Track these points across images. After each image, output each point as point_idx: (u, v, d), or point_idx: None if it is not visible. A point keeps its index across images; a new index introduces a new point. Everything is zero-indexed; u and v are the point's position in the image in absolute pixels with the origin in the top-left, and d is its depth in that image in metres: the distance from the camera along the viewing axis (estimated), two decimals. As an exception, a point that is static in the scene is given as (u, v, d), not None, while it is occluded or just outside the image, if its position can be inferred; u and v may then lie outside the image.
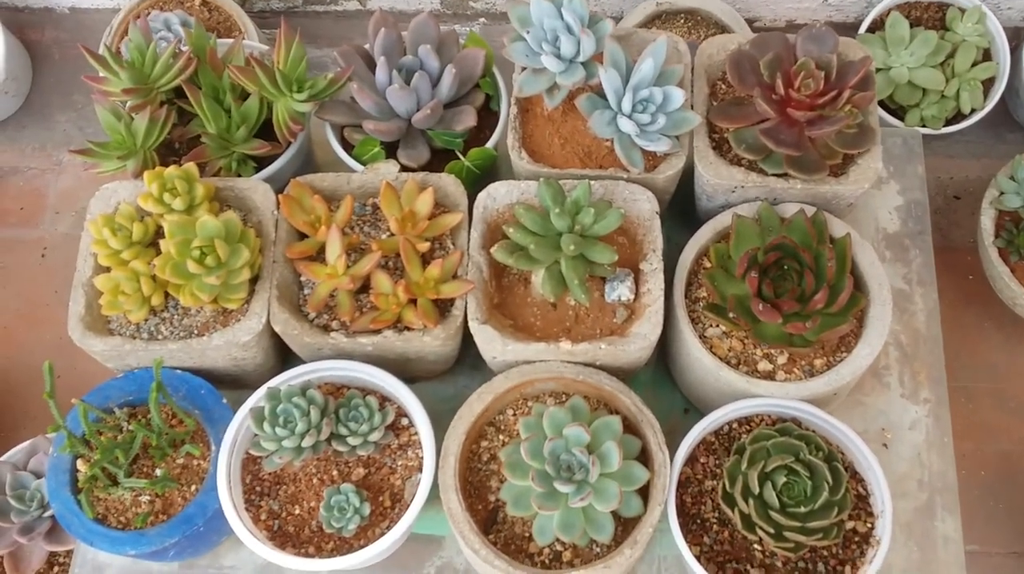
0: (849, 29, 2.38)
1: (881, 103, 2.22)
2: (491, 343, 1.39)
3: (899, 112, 2.25)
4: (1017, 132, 2.38)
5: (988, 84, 2.27)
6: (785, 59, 1.47)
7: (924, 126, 2.23)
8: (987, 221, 2.03)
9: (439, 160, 1.59)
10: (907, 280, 1.68)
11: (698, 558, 1.35)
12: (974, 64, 2.23)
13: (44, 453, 1.94)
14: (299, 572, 1.38)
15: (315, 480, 1.43)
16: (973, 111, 2.24)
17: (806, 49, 1.48)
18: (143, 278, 1.43)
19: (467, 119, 1.56)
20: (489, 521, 1.39)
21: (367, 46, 1.59)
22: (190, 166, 1.47)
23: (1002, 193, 2.02)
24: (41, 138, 2.50)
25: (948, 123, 2.25)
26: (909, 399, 1.60)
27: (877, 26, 2.29)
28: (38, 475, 1.91)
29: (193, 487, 1.44)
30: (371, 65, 1.57)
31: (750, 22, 2.38)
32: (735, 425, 1.44)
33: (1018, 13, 2.36)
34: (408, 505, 1.39)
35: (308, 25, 2.50)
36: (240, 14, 2.28)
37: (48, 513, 1.87)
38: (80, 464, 1.43)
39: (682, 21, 2.26)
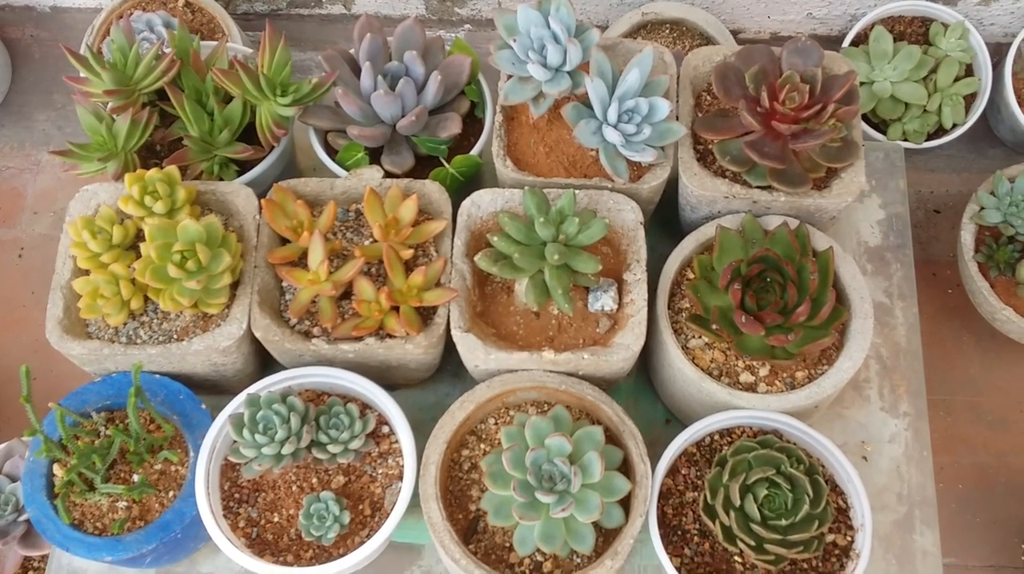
0: (833, 42, 2.39)
1: (863, 117, 2.23)
2: (474, 352, 1.39)
3: (881, 126, 2.26)
4: (998, 147, 2.39)
5: (970, 99, 2.28)
6: (770, 72, 1.48)
7: (906, 140, 2.24)
8: (967, 236, 2.03)
9: (423, 167, 1.58)
10: (888, 294, 1.69)
11: (679, 570, 1.35)
12: (956, 79, 2.24)
13: (20, 456, 1.91)
14: (277, 580, 1.37)
15: (294, 487, 1.42)
16: (955, 126, 2.25)
17: (791, 62, 1.49)
18: (123, 282, 1.41)
19: (452, 126, 1.55)
20: (469, 530, 1.38)
21: (352, 51, 1.58)
22: (172, 169, 1.46)
23: (982, 208, 2.03)
24: (20, 137, 2.48)
25: (930, 138, 2.26)
26: (889, 412, 1.61)
27: (861, 40, 2.30)
28: (13, 479, 1.88)
29: (171, 493, 1.42)
30: (356, 70, 1.56)
31: (735, 33, 2.39)
32: (717, 437, 1.44)
33: (1000, 29, 2.37)
34: (388, 514, 1.38)
35: (292, 28, 2.49)
36: (223, 16, 2.27)
37: (23, 517, 1.84)
38: (57, 469, 1.41)
39: (667, 31, 2.26)
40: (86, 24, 2.32)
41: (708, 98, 1.58)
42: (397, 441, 1.43)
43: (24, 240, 2.37)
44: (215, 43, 1.64)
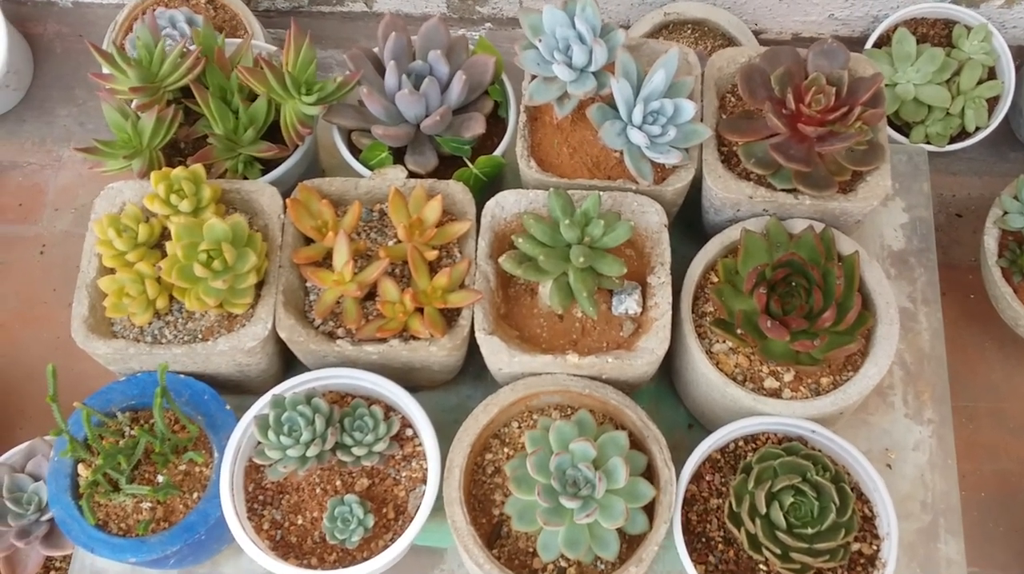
0: (855, 44, 2.38)
1: (886, 119, 2.22)
2: (498, 354, 1.38)
3: (904, 129, 2.25)
4: (1020, 151, 2.38)
5: (993, 103, 2.27)
6: (796, 74, 1.47)
7: (928, 143, 2.23)
8: (990, 241, 2.02)
9: (446, 167, 1.58)
10: (911, 299, 1.68)
11: (703, 577, 1.35)
12: (979, 82, 2.23)
13: (43, 456, 1.91)
14: (300, 584, 1.37)
15: (318, 490, 1.41)
16: (977, 129, 2.24)
17: (817, 64, 1.48)
18: (148, 280, 1.41)
19: (476, 126, 1.55)
20: (493, 535, 1.38)
21: (376, 49, 1.58)
22: (197, 167, 1.46)
23: (1006, 213, 2.01)
24: (41, 133, 2.48)
25: (952, 141, 2.25)
26: (913, 419, 1.60)
27: (883, 41, 2.29)
28: (36, 478, 1.88)
29: (195, 494, 1.42)
30: (380, 69, 1.56)
31: (756, 34, 2.38)
32: (741, 443, 1.43)
33: (1023, 32, 2.36)
34: (412, 517, 1.37)
35: (313, 25, 2.49)
36: (246, 13, 2.27)
37: (46, 517, 1.85)
38: (81, 469, 1.41)
39: (689, 31, 2.26)
40: (108, 20, 2.33)
41: (732, 100, 1.57)
42: (421, 444, 1.43)
43: (46, 237, 2.37)
44: (239, 41, 1.64)
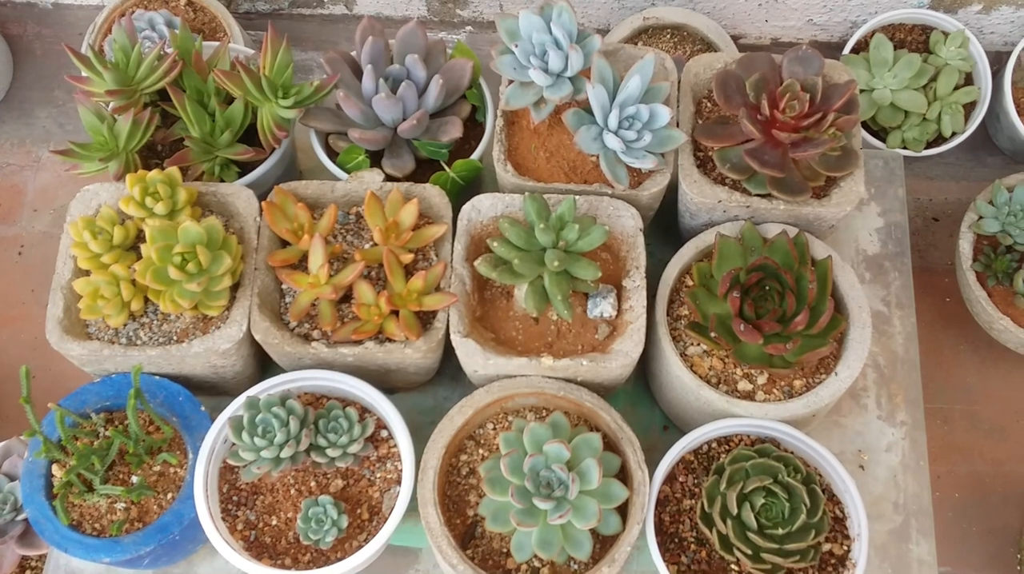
0: (833, 49, 2.39)
1: (863, 124, 2.23)
2: (473, 357, 1.39)
3: (881, 134, 2.26)
4: (997, 156, 2.40)
5: (969, 108, 2.28)
6: (771, 80, 1.48)
7: (905, 148, 2.24)
8: (965, 245, 2.04)
9: (423, 170, 1.58)
10: (886, 302, 1.69)
11: (675, 577, 1.35)
12: (956, 88, 2.24)
13: (18, 455, 1.91)
14: (274, 583, 1.37)
15: (293, 491, 1.42)
16: (954, 134, 2.25)
17: (792, 70, 1.49)
18: (123, 283, 1.41)
19: (453, 130, 1.55)
20: (467, 536, 1.38)
21: (353, 52, 1.58)
22: (173, 170, 1.46)
23: (981, 217, 2.03)
24: (20, 134, 2.47)
25: (929, 146, 2.26)
26: (886, 421, 1.61)
27: (861, 47, 2.30)
28: (11, 477, 1.88)
29: (169, 495, 1.42)
30: (357, 72, 1.56)
31: (735, 39, 2.39)
32: (714, 444, 1.45)
33: (1000, 38, 2.38)
34: (386, 518, 1.38)
35: (294, 27, 2.49)
36: (225, 15, 2.26)
37: (21, 516, 1.84)
38: (55, 469, 1.41)
39: (668, 36, 2.27)
40: (88, 21, 2.33)
41: (709, 105, 1.58)
42: (396, 445, 1.43)
43: (24, 237, 2.37)
44: (217, 43, 1.64)
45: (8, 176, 2.43)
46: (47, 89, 2.51)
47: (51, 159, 2.42)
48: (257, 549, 1.39)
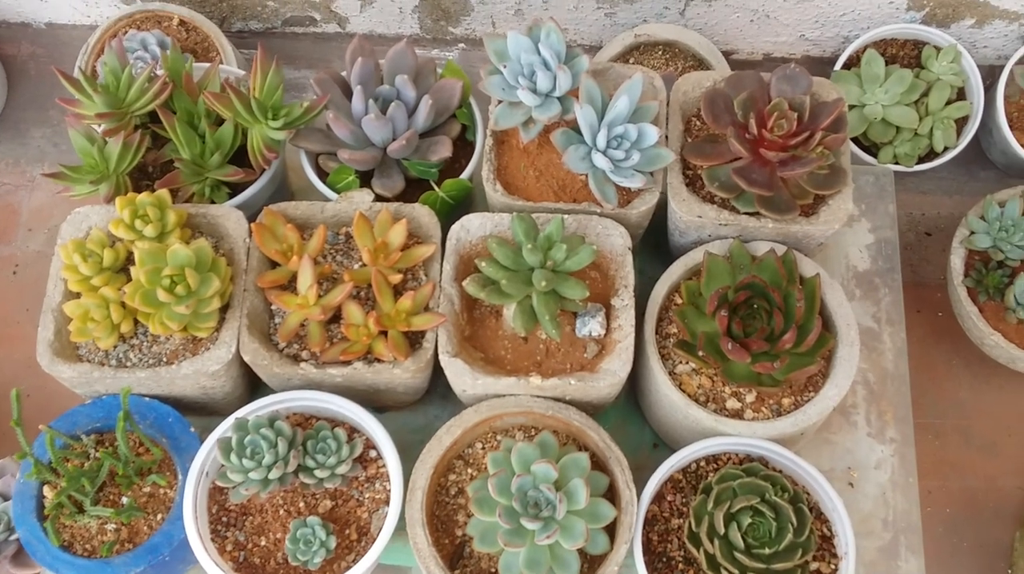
0: (825, 64, 2.40)
1: (855, 140, 2.24)
2: (461, 377, 1.39)
3: (872, 149, 2.27)
4: (990, 170, 2.40)
5: (961, 123, 2.28)
6: (759, 99, 1.49)
7: (897, 163, 2.24)
8: (957, 260, 2.04)
9: (413, 190, 1.59)
10: (876, 319, 1.69)
11: (663, 596, 1.36)
12: (948, 103, 2.25)
13: (12, 475, 1.91)
14: (263, 604, 1.37)
15: (281, 511, 1.42)
16: (946, 149, 2.25)
17: (780, 89, 1.49)
18: (113, 305, 1.42)
19: (442, 150, 1.56)
20: (455, 556, 1.39)
21: (344, 73, 1.59)
22: (162, 193, 1.47)
23: (972, 233, 2.03)
24: (15, 154, 2.48)
25: (921, 161, 2.26)
26: (875, 438, 1.61)
27: (853, 62, 2.30)
28: (6, 497, 1.88)
29: (159, 516, 1.43)
30: (347, 93, 1.57)
31: (727, 54, 2.40)
32: (703, 463, 1.45)
33: (993, 52, 2.38)
34: (375, 538, 1.38)
35: (287, 46, 2.50)
36: (218, 35, 2.27)
37: (14, 536, 1.84)
38: (47, 491, 1.42)
39: (660, 53, 2.27)
40: (82, 41, 2.33)
41: (698, 123, 1.58)
42: (384, 465, 1.44)
43: (19, 257, 2.37)
44: (208, 65, 1.65)
45: (3, 196, 2.43)
46: (42, 109, 2.52)
47: (46, 179, 2.42)
48: (246, 570, 1.40)
